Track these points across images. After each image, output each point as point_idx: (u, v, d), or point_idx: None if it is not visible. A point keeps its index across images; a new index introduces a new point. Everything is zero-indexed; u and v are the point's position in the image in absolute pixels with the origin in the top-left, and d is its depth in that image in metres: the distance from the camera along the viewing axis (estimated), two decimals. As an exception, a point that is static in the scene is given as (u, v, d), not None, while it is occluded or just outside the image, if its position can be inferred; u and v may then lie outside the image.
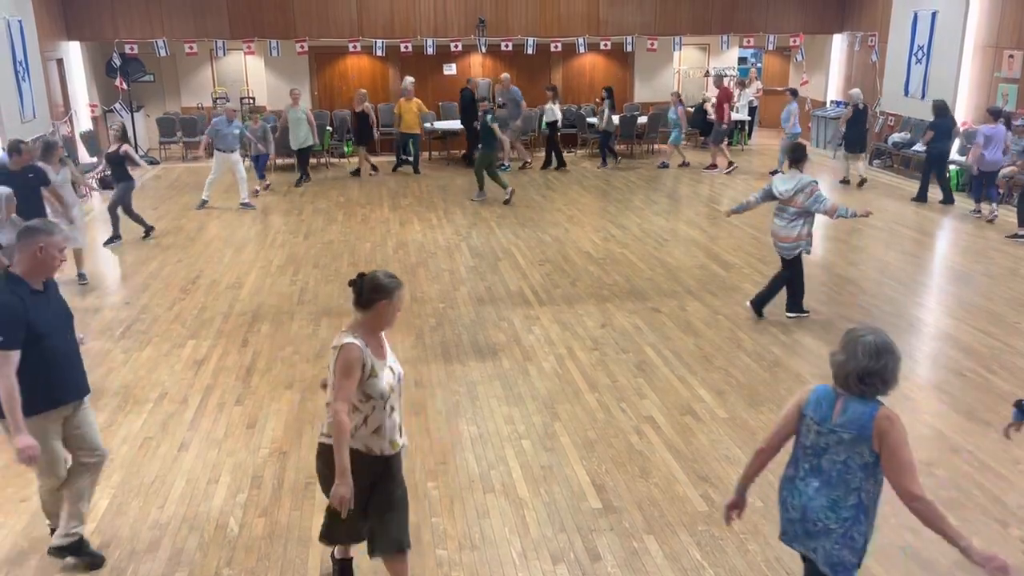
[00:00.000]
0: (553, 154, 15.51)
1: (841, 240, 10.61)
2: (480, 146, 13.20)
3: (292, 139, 14.15)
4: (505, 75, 15.66)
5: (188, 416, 5.99)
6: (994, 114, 11.26)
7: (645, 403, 6.13)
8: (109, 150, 10.59)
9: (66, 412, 4.20)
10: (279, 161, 15.38)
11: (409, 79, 15.30)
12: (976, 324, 7.64)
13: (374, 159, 15.47)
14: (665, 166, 15.58)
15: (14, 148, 7.98)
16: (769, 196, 7.50)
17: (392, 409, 3.70)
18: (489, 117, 12.79)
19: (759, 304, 7.83)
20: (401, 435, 3.79)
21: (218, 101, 17.54)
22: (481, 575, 4.25)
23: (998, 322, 7.68)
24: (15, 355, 3.87)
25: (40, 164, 8.26)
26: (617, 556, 4.37)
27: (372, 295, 3.59)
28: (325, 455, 3.64)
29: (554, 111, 15.40)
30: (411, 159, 15.38)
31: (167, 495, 4.98)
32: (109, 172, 11.00)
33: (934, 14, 14.38)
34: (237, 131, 12.61)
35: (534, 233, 11.06)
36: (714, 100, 15.70)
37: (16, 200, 7.43)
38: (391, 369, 3.71)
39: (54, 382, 4.08)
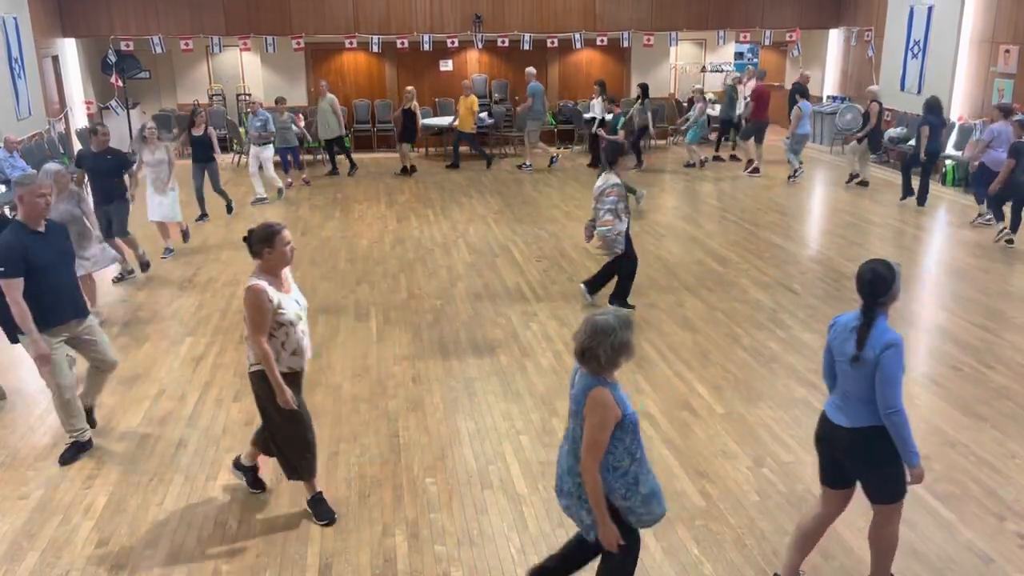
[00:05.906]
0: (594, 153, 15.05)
1: (838, 236, 10.63)
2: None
3: (321, 130, 14.32)
4: (530, 68, 15.62)
5: (186, 413, 6.00)
6: (1004, 111, 10.93)
7: (642, 399, 6.14)
8: (196, 133, 11.31)
9: (66, 330, 5.19)
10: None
11: (467, 81, 15.31)
12: (971, 318, 7.66)
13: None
14: (691, 165, 15.15)
15: (92, 131, 8.89)
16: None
17: (303, 333, 4.46)
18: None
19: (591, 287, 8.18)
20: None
21: (214, 97, 17.54)
22: (480, 571, 4.26)
23: (992, 316, 7.70)
24: (18, 282, 4.84)
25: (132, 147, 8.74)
26: (615, 551, 4.38)
27: (258, 246, 4.25)
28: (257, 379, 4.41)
29: (597, 108, 15.06)
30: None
31: (165, 492, 4.99)
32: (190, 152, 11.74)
33: (930, 8, 14.39)
34: (260, 123, 12.64)
35: (531, 229, 11.07)
36: (748, 95, 15.24)
37: (90, 177, 8.76)
38: (296, 301, 4.46)
39: (48, 306, 5.03)
